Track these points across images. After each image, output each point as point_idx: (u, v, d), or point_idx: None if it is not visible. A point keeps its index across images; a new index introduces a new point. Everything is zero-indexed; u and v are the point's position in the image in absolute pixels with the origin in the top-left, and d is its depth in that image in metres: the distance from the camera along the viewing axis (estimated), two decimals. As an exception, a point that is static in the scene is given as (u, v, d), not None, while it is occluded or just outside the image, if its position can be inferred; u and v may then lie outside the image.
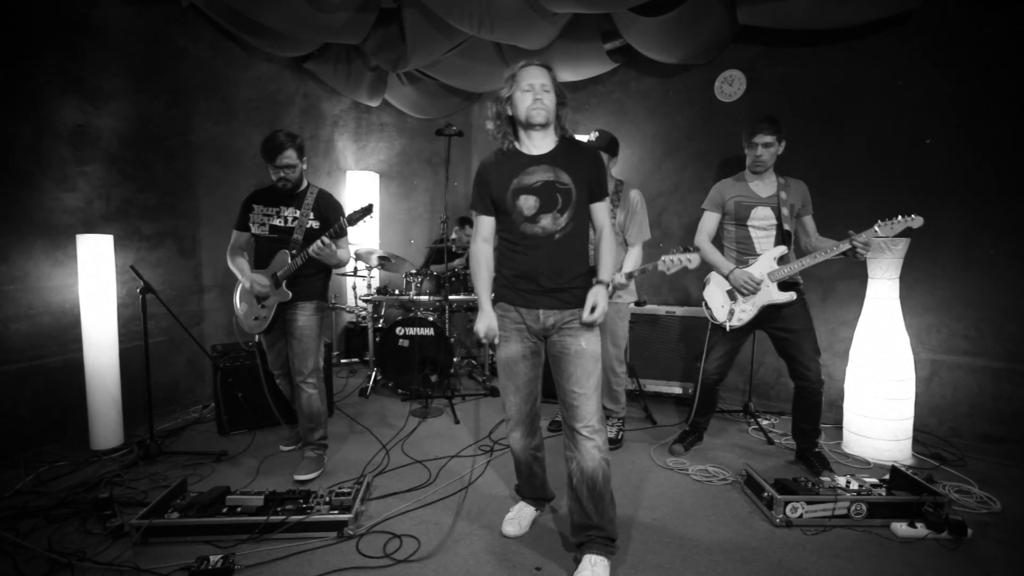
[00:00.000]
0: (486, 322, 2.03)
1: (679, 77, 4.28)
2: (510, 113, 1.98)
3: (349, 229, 2.64)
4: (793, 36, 3.68)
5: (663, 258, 2.74)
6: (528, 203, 1.94)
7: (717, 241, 2.91)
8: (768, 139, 2.68)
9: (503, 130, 2.01)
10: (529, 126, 1.95)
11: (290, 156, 2.61)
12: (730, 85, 4.04)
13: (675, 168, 4.37)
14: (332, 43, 4.28)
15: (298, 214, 2.69)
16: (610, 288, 2.62)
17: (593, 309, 1.92)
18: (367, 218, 2.59)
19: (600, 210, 2.05)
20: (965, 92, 3.15)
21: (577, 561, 1.93)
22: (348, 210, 2.69)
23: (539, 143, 1.99)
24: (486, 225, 2.08)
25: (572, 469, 1.95)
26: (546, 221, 1.95)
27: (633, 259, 2.97)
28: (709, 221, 2.89)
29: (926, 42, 3.25)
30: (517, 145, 2.02)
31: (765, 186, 2.79)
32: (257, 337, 2.90)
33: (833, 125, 3.59)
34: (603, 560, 1.90)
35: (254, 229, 2.74)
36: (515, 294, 2.02)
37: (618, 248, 2.94)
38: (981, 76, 3.10)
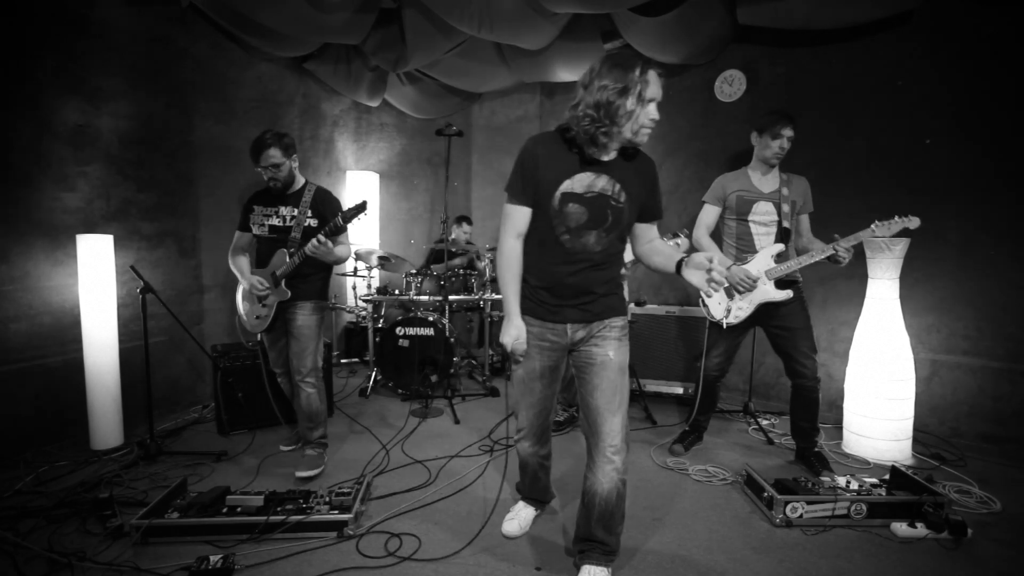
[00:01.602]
0: (514, 333, 1.82)
1: (679, 77, 4.28)
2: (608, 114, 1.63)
3: (347, 227, 2.64)
4: (793, 36, 3.67)
5: None
6: (576, 213, 1.73)
7: (716, 236, 2.90)
8: (792, 133, 2.69)
9: (603, 126, 1.65)
10: (627, 142, 1.71)
11: (274, 155, 2.58)
12: (730, 85, 4.04)
13: (675, 168, 4.37)
14: (332, 43, 4.29)
15: (295, 212, 2.68)
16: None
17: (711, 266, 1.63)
18: (362, 215, 2.59)
19: (652, 229, 1.89)
20: (965, 92, 3.15)
21: (577, 567, 1.91)
22: (346, 207, 2.68)
23: (607, 149, 1.73)
24: (522, 218, 1.79)
25: (587, 486, 1.85)
26: (590, 238, 1.75)
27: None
28: (709, 214, 2.88)
29: (926, 42, 3.25)
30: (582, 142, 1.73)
31: (768, 181, 2.79)
32: (260, 336, 2.90)
33: (833, 125, 3.59)
34: (603, 571, 1.87)
35: (255, 230, 2.74)
36: (539, 307, 1.84)
37: None
38: (981, 76, 3.10)
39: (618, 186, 1.76)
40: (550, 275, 1.82)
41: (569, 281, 1.80)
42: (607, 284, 1.85)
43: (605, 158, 1.75)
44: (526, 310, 1.86)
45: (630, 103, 1.63)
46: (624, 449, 1.81)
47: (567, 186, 1.73)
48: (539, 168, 1.75)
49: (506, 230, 1.82)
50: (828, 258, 2.60)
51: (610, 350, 1.82)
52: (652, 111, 1.67)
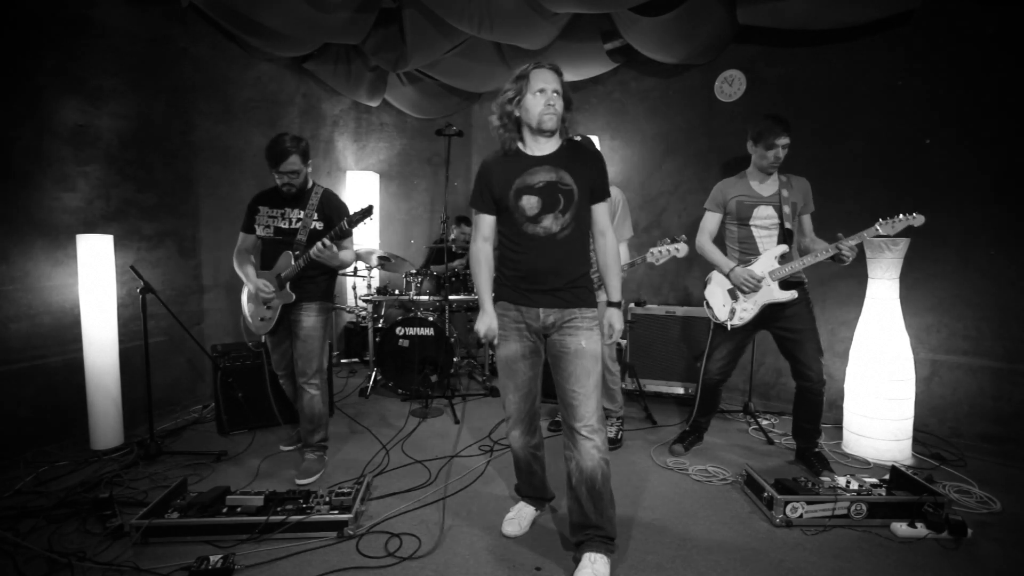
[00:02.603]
0: (487, 322, 2.05)
1: (679, 77, 4.28)
2: (517, 114, 1.96)
3: (352, 231, 2.62)
4: (793, 36, 3.67)
5: (651, 250, 2.78)
6: (530, 203, 1.94)
7: (720, 241, 2.91)
8: (787, 140, 2.67)
9: (510, 131, 2.00)
10: (539, 131, 1.95)
11: (294, 162, 2.57)
12: (730, 85, 4.04)
13: (675, 168, 4.37)
14: (332, 43, 4.29)
15: (302, 215, 2.68)
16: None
17: (611, 334, 2.06)
18: (368, 220, 2.58)
19: (601, 211, 2.06)
20: (965, 92, 3.15)
21: (576, 560, 1.93)
22: (351, 210, 2.67)
23: (543, 145, 2.00)
24: (487, 224, 2.08)
25: (571, 469, 1.96)
26: (548, 221, 1.95)
27: (625, 253, 3.02)
28: (711, 221, 2.89)
29: (926, 42, 3.25)
30: (520, 146, 2.02)
31: (767, 185, 2.78)
32: (264, 337, 2.90)
33: (833, 125, 3.59)
34: (603, 557, 1.90)
35: (259, 231, 2.73)
36: (515, 292, 2.02)
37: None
38: (981, 76, 3.10)
39: (562, 171, 1.96)
40: (524, 262, 1.99)
41: (539, 264, 1.97)
42: (575, 269, 2.00)
43: (542, 153, 1.99)
44: (505, 296, 2.06)
45: (512, 93, 1.94)
46: (601, 430, 1.95)
47: (518, 183, 1.96)
48: (493, 177, 2.02)
49: (475, 235, 2.11)
50: (832, 257, 2.60)
51: (582, 339, 1.97)
52: (543, 98, 1.90)
